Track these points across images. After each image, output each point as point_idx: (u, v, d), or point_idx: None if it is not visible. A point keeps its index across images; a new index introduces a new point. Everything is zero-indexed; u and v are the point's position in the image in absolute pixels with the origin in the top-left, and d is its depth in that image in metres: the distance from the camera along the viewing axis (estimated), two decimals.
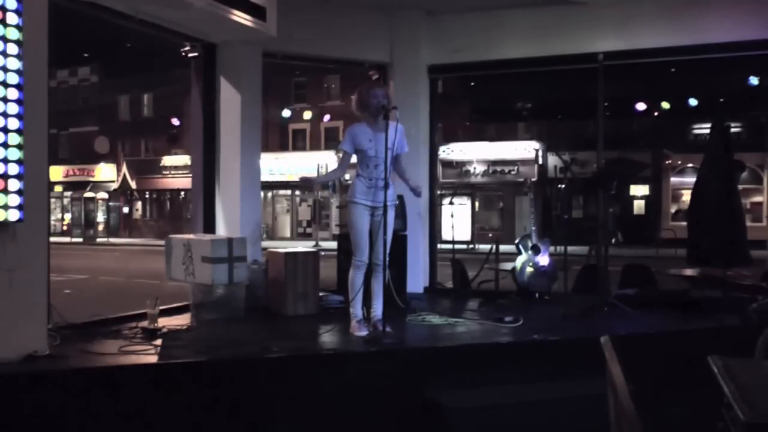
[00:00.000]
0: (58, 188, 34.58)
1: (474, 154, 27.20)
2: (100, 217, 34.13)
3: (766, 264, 7.34)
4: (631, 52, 6.55)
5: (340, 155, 4.87)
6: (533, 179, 20.82)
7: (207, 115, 6.22)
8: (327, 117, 27.40)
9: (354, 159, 4.76)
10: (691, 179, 9.35)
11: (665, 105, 16.37)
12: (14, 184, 3.60)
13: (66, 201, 35.28)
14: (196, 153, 6.39)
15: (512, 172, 26.73)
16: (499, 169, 27.13)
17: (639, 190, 26.17)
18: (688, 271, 7.08)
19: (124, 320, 5.01)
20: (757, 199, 24.82)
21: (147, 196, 35.21)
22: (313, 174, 28.12)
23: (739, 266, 6.52)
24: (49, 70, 3.96)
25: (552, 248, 6.56)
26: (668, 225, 23.98)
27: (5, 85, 3.58)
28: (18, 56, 3.63)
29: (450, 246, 7.79)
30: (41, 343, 3.85)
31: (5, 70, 3.58)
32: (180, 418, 3.69)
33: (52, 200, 32.60)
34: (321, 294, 5.81)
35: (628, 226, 23.43)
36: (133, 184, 34.54)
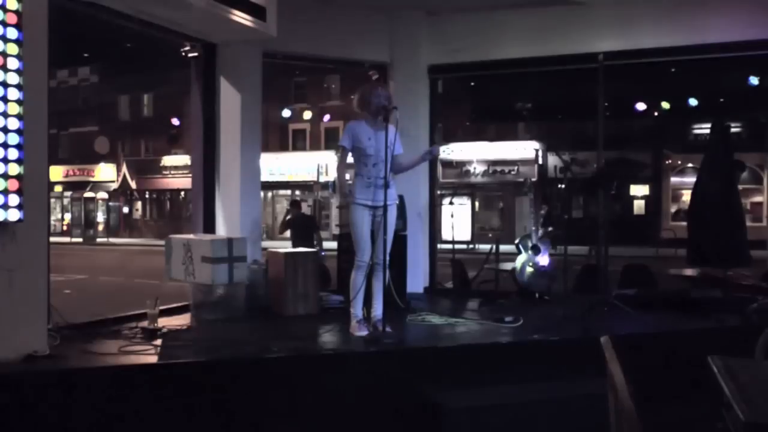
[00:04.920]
0: (58, 188, 34.55)
1: (474, 154, 27.17)
2: (100, 217, 34.13)
3: (766, 264, 7.33)
4: (631, 52, 6.55)
5: (339, 153, 4.87)
6: (533, 179, 20.81)
7: (207, 115, 6.22)
8: (327, 117, 27.37)
9: (350, 159, 4.76)
10: (691, 179, 9.35)
11: (665, 105, 16.34)
12: (14, 184, 3.60)
13: (66, 201, 35.25)
14: (196, 153, 6.39)
15: (512, 172, 26.71)
16: (499, 169, 27.12)
17: (639, 190, 26.16)
18: (688, 271, 7.08)
19: (124, 320, 5.00)
20: (757, 199, 24.78)
21: (147, 196, 35.19)
22: (314, 174, 28.22)
23: (739, 266, 6.52)
24: (49, 70, 3.96)
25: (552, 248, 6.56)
26: (668, 225, 23.96)
27: (5, 85, 3.58)
28: (18, 56, 3.63)
29: (450, 246, 7.78)
30: (41, 343, 3.85)
31: (5, 70, 3.58)
32: (180, 418, 3.69)
33: (52, 200, 32.56)
34: (321, 294, 5.81)
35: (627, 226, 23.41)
36: (133, 184, 34.52)
